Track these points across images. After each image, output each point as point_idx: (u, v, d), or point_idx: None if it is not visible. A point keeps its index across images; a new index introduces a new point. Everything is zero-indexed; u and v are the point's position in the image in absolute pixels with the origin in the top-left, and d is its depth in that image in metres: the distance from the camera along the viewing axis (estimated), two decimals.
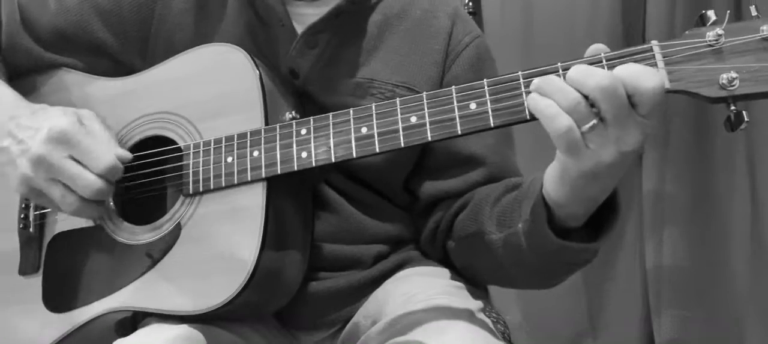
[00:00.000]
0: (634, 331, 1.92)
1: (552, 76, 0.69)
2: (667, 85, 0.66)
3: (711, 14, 0.65)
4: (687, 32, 0.66)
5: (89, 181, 0.82)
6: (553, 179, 0.75)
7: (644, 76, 0.65)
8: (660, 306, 1.85)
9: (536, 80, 0.70)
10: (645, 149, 1.84)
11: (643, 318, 1.91)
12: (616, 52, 0.68)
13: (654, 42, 0.67)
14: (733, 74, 0.63)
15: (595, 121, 0.66)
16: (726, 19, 0.64)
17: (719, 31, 0.64)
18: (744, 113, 0.64)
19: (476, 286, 1.00)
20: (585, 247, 0.78)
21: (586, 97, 0.66)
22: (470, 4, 1.86)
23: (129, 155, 0.86)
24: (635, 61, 0.67)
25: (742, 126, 0.64)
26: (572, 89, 0.67)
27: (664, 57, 0.66)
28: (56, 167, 0.81)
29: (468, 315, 0.85)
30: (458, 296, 0.90)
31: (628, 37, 1.82)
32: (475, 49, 0.99)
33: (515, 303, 1.97)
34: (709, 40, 0.64)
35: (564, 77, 0.68)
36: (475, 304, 0.90)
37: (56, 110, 0.85)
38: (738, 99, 0.64)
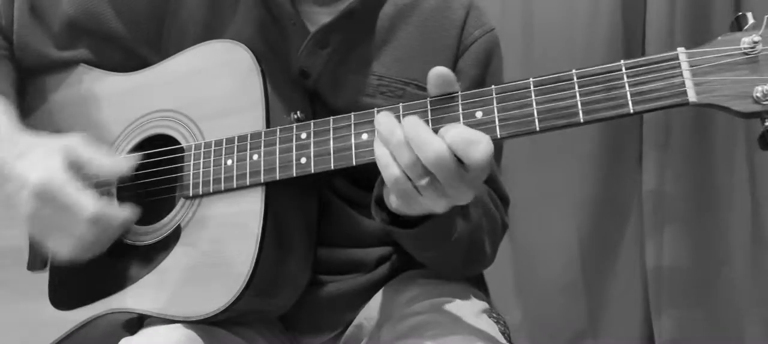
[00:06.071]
0: (634, 331, 1.92)
1: (396, 130, 0.68)
2: (694, 98, 0.62)
3: (749, 17, 0.61)
4: (720, 38, 0.62)
5: (81, 227, 0.79)
6: (393, 204, 0.75)
7: (473, 148, 0.66)
8: (660, 306, 1.85)
9: (378, 125, 0.70)
10: (645, 150, 1.84)
11: (643, 318, 1.91)
12: (637, 60, 0.65)
13: (681, 49, 0.63)
14: None
15: (428, 178, 0.67)
16: (764, 25, 0.60)
17: (756, 37, 0.59)
18: None
19: (479, 287, 0.99)
20: (397, 231, 0.80)
21: None
22: None
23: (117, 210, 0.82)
24: (659, 70, 0.64)
25: None
26: (409, 150, 0.67)
27: (691, 66, 0.62)
28: (46, 222, 0.80)
29: (472, 318, 0.85)
30: (462, 298, 0.90)
31: (628, 36, 1.82)
32: (484, 45, 0.97)
33: (515, 303, 1.97)
34: (744, 48, 0.60)
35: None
36: (479, 306, 0.90)
37: (39, 154, 0.81)
38: None
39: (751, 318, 1.79)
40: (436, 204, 0.71)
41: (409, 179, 0.68)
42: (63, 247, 0.81)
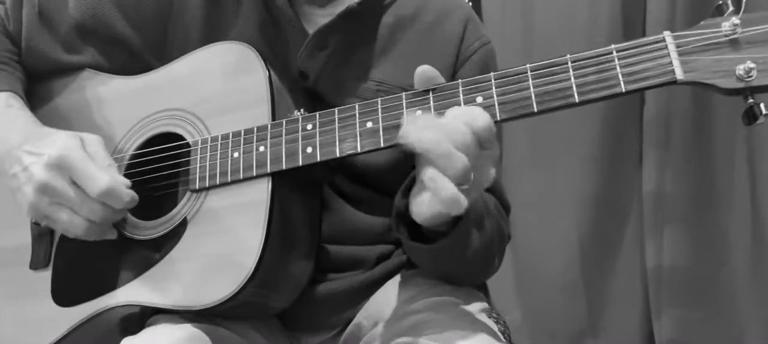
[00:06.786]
0: (634, 331, 1.92)
1: (443, 144, 0.68)
2: (681, 76, 0.65)
3: (729, 3, 0.64)
4: (702, 22, 0.65)
5: (91, 205, 0.82)
6: (422, 215, 0.74)
7: (477, 116, 0.68)
8: (660, 306, 1.86)
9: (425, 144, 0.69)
10: (645, 150, 1.85)
11: (643, 318, 1.91)
12: (627, 44, 0.68)
13: (667, 33, 0.66)
14: (751, 65, 0.61)
15: (473, 175, 0.69)
16: (742, 9, 0.63)
17: (736, 20, 0.63)
18: (762, 105, 0.62)
19: (478, 287, 1.00)
20: (416, 246, 0.81)
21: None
22: (470, 3, 1.87)
23: (127, 182, 0.85)
24: (648, 52, 0.66)
25: (760, 120, 0.62)
26: (460, 156, 0.67)
27: (677, 48, 0.65)
28: (58, 192, 0.82)
29: (472, 317, 0.85)
30: (461, 297, 0.90)
31: (628, 34, 1.83)
32: (482, 56, 0.99)
33: (515, 303, 1.97)
34: (725, 31, 0.63)
35: (571, 70, 0.70)
36: (478, 306, 0.90)
37: (61, 135, 0.85)
38: (756, 91, 0.62)
39: (751, 318, 1.79)
40: (470, 196, 0.71)
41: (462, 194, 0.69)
42: (68, 224, 0.83)
